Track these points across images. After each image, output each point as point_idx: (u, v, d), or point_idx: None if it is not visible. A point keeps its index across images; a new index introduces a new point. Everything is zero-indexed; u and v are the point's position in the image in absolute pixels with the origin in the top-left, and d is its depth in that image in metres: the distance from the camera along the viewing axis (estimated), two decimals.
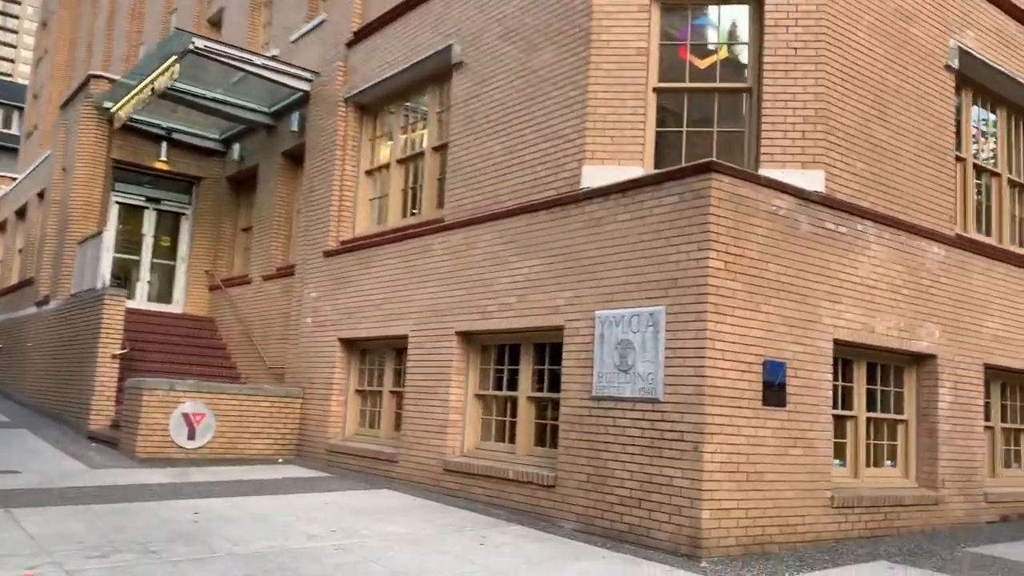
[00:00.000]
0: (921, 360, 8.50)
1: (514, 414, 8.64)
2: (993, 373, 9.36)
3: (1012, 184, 10.39)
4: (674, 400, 6.65)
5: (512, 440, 8.62)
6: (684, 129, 8.30)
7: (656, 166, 8.02)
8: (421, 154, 10.91)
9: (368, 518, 7.26)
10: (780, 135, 7.76)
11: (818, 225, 7.42)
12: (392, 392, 10.49)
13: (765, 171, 7.46)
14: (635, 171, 7.83)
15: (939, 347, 8.48)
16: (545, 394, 8.33)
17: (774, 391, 6.93)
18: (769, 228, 7.03)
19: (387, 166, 11.55)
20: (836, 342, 7.52)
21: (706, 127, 8.28)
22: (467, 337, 9.19)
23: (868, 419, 8.17)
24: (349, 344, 11.26)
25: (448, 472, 8.85)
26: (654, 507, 6.66)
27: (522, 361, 8.61)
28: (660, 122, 8.24)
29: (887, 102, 8.39)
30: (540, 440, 8.37)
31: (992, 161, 10.23)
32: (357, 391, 11.16)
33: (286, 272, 13.47)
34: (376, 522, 7.09)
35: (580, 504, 7.29)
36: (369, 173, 11.93)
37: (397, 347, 10.46)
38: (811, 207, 7.38)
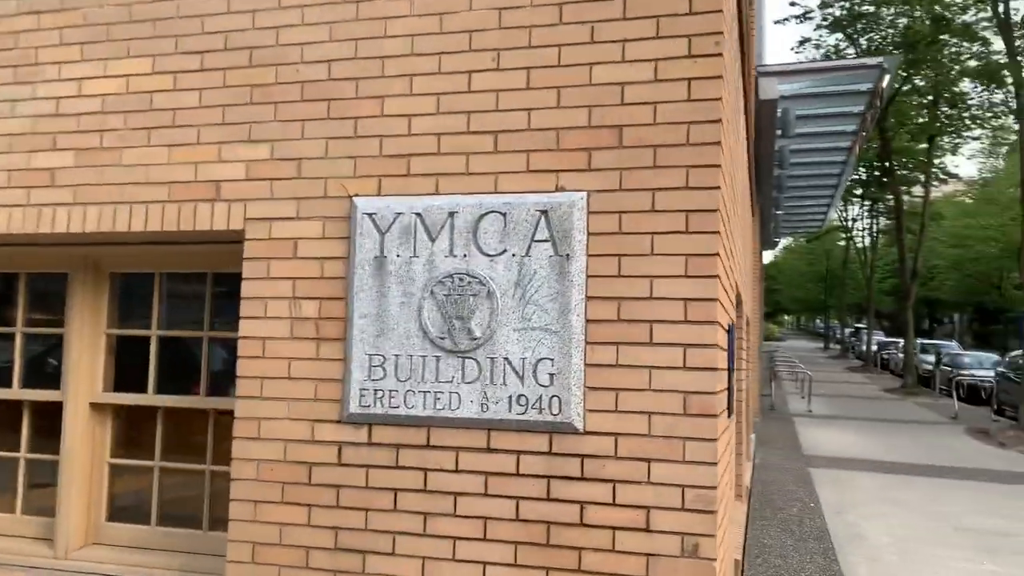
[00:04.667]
0: None
1: (51, 442, 3.46)
2: None
3: None
4: (621, 430, 2.63)
5: (38, 510, 3.45)
6: None
7: None
8: None
9: None
10: None
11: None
12: None
13: None
14: None
15: None
16: (158, 398, 3.39)
17: (729, 384, 3.39)
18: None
19: None
20: None
21: None
22: None
23: None
24: None
25: None
26: None
27: (75, 313, 3.45)
28: None
29: None
30: (132, 513, 3.41)
31: None
32: None
33: None
34: None
35: None
36: None
37: None
38: None
